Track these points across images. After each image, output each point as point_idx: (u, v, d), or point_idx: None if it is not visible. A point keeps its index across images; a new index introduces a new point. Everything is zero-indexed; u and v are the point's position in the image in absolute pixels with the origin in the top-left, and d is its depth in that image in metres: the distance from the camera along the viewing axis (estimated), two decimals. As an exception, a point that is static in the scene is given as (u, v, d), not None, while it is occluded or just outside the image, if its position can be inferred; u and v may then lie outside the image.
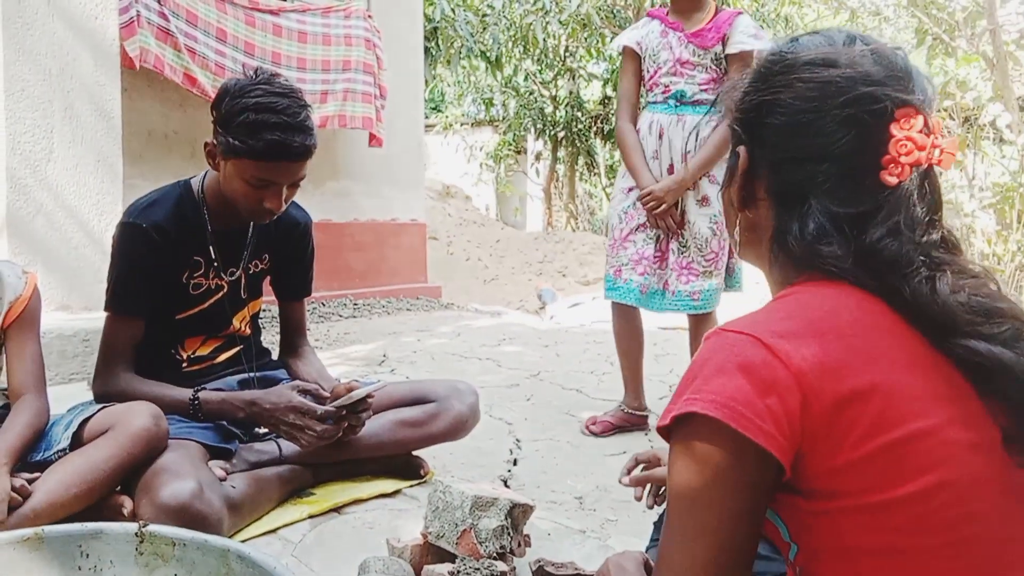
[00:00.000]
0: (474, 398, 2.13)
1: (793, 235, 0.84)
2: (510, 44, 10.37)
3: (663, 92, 2.64)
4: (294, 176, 1.80)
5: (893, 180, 0.80)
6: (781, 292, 0.86)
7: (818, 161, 0.83)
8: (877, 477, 0.73)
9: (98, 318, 2.91)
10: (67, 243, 3.08)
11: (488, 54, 9.84)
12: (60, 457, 1.59)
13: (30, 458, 1.59)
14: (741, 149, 0.90)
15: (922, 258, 0.80)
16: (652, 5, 10.12)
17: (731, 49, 2.59)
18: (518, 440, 2.60)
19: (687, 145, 2.57)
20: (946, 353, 0.78)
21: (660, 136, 2.62)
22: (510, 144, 14.48)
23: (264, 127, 1.71)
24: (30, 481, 1.50)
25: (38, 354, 1.72)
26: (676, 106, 2.62)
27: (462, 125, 15.15)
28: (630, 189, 2.68)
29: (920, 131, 0.80)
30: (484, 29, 9.45)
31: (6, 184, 2.87)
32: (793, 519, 0.80)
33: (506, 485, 2.17)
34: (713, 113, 2.40)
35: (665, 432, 0.79)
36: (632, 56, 2.72)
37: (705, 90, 2.61)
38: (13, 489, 1.44)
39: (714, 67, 2.62)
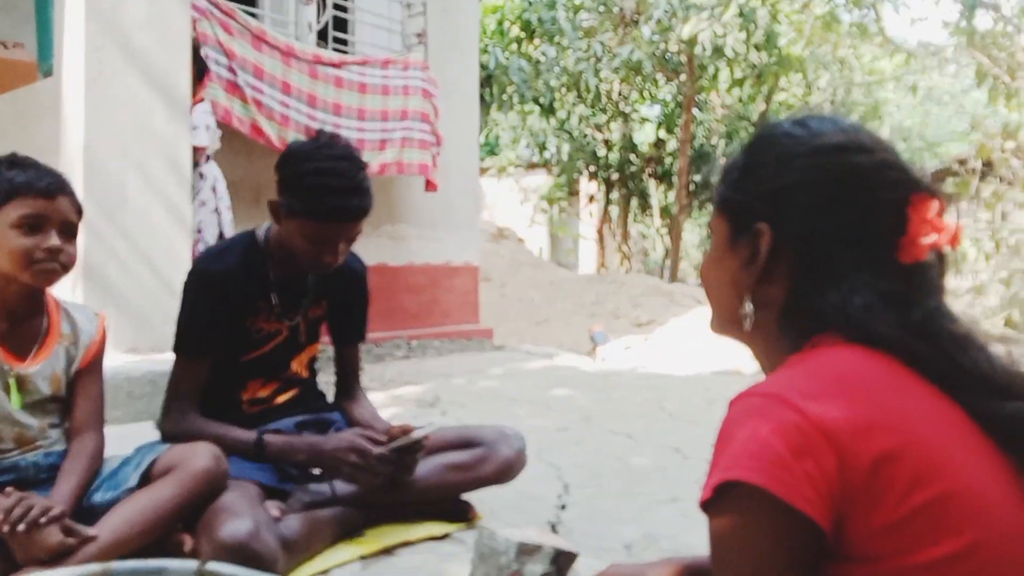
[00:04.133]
0: (521, 443, 2.16)
1: (832, 307, 0.85)
2: (563, 90, 10.54)
3: None
4: (351, 234, 1.90)
5: (909, 260, 0.85)
6: (794, 357, 0.86)
7: (852, 241, 0.86)
8: (918, 537, 0.73)
9: (164, 360, 3.05)
10: (138, 287, 3.24)
11: (541, 99, 10.01)
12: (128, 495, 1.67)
13: (102, 498, 1.68)
14: (764, 227, 0.90)
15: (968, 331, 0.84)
16: (704, 51, 10.19)
17: None
18: (566, 485, 2.61)
19: None
20: (987, 416, 0.79)
21: None
22: (563, 186, 14.61)
23: (325, 191, 1.81)
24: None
25: (101, 393, 1.82)
26: None
27: (516, 168, 15.37)
28: None
29: (935, 215, 0.84)
30: (537, 76, 9.64)
31: (83, 231, 3.04)
32: None
33: (554, 531, 2.18)
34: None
35: (707, 505, 0.78)
36: None
37: None
38: (70, 535, 1.49)
39: None
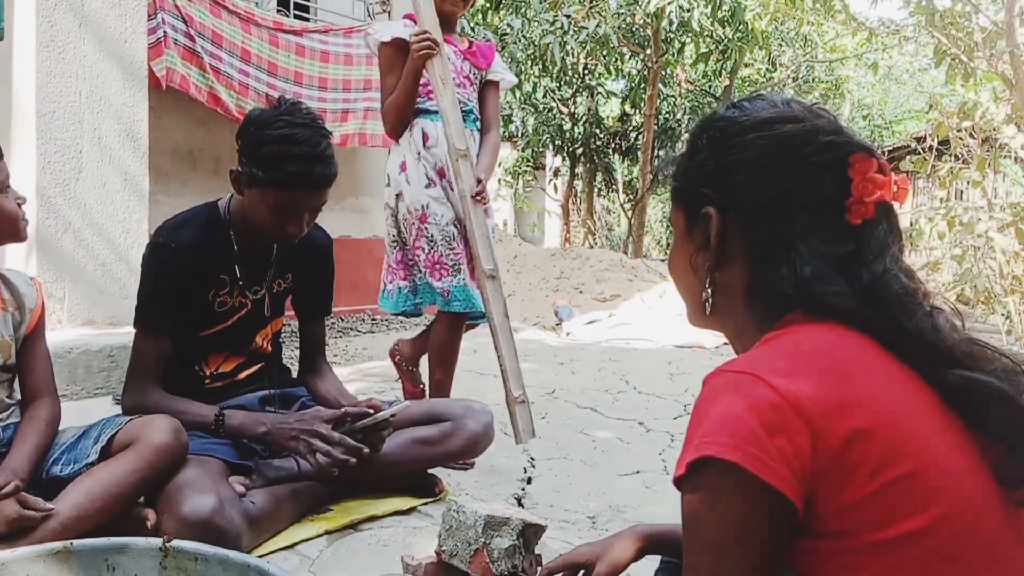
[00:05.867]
0: (489, 418, 2.17)
1: (785, 280, 0.86)
2: (529, 62, 10.45)
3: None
4: (315, 203, 1.86)
5: (858, 220, 0.86)
6: (767, 336, 0.87)
7: (796, 209, 0.87)
8: (886, 513, 0.74)
9: (123, 333, 2.99)
10: (94, 260, 3.16)
11: (507, 72, 9.92)
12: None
13: (61, 471, 1.65)
14: (711, 211, 0.91)
15: (919, 294, 0.85)
16: (671, 25, 10.19)
17: (492, 76, 2.74)
18: (532, 459, 2.63)
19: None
20: (939, 385, 0.80)
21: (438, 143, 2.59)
22: (528, 160, 14.57)
23: (286, 158, 1.77)
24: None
25: (48, 356, 1.80)
26: (468, 122, 2.61)
27: (481, 141, 15.26)
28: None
29: (876, 172, 0.85)
30: (503, 48, 9.54)
31: (36, 202, 2.95)
32: (802, 563, 0.79)
33: (520, 504, 2.20)
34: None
35: (680, 481, 0.78)
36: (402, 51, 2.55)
37: (479, 112, 2.70)
38: (27, 507, 1.48)
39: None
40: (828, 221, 0.86)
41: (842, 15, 7.59)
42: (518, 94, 12.04)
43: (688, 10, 9.73)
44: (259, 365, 2.12)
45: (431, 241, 2.58)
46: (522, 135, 13.67)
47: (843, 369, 0.79)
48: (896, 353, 0.82)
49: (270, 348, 2.15)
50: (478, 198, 2.50)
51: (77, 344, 2.75)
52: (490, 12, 10.36)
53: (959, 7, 6.31)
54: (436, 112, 2.55)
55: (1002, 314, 6.03)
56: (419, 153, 2.60)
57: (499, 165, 14.63)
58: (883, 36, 8.49)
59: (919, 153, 7.50)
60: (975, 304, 6.54)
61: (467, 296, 2.60)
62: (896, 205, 0.89)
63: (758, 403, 0.75)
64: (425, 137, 2.59)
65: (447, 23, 2.62)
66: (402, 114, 2.60)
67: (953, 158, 6.67)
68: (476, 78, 2.70)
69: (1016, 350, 5.00)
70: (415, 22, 2.59)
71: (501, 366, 2.48)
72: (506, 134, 14.58)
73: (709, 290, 0.94)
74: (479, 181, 2.52)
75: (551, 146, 13.73)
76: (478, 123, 2.68)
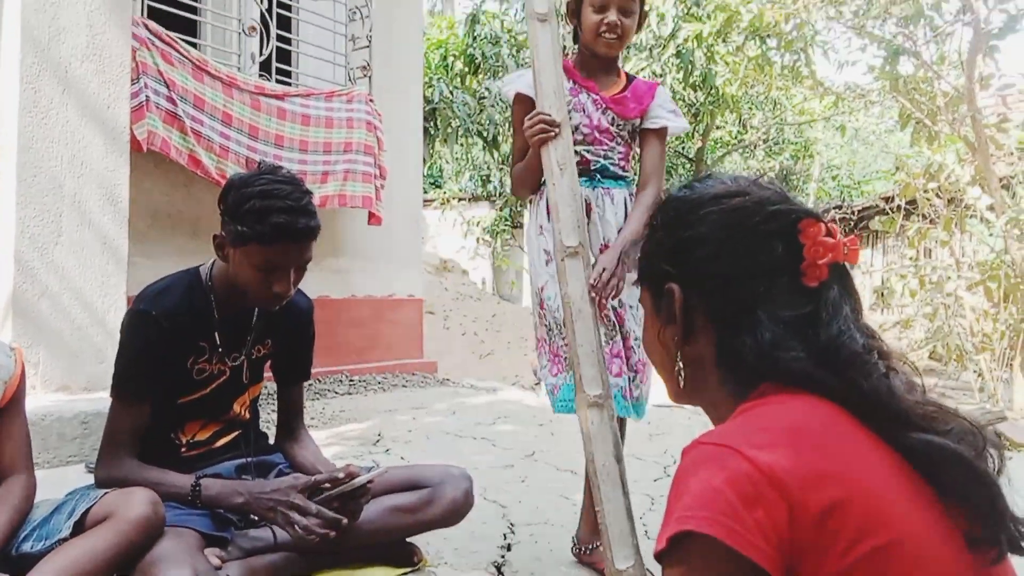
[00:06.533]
0: (468, 483, 2.15)
1: (748, 348, 0.89)
2: (506, 124, 10.64)
3: (579, 163, 2.19)
4: (301, 258, 1.86)
5: (814, 282, 0.89)
6: (742, 407, 0.89)
7: (752, 277, 0.91)
8: None
9: (97, 399, 2.95)
10: (70, 324, 3.13)
11: (485, 133, 10.11)
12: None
13: (31, 548, 1.61)
14: (673, 286, 0.95)
15: (876, 354, 0.87)
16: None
17: (650, 124, 2.32)
18: (512, 524, 2.60)
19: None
20: (902, 450, 0.82)
21: (588, 212, 2.22)
22: (507, 219, 14.71)
23: (270, 212, 1.78)
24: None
25: (27, 431, 1.75)
26: (599, 180, 2.28)
27: (460, 200, 15.42)
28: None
29: (825, 235, 0.90)
30: (481, 111, 9.73)
31: (13, 267, 2.94)
32: None
33: (499, 572, 2.17)
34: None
35: (661, 556, 0.78)
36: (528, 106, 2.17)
37: (623, 167, 2.33)
38: None
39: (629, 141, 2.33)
40: (784, 286, 0.90)
41: (809, 81, 7.85)
42: (496, 155, 12.21)
43: (661, 75, 10.03)
44: (236, 433, 2.10)
45: (549, 329, 2.27)
46: (500, 195, 13.83)
47: (817, 440, 0.81)
48: (860, 419, 0.84)
49: (248, 415, 2.13)
50: (594, 293, 1.96)
51: (50, 411, 2.71)
52: (468, 76, 10.59)
53: (921, 73, 6.55)
54: None
55: (974, 371, 6.12)
56: (541, 226, 2.30)
57: (476, 224, 14.78)
58: (849, 100, 8.77)
59: (888, 213, 7.67)
60: (948, 361, 6.63)
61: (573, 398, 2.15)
62: (849, 266, 0.93)
63: (735, 476, 0.76)
64: (549, 211, 2.16)
65: (599, 64, 2.31)
66: (523, 186, 2.33)
67: (921, 217, 6.85)
68: (622, 128, 2.30)
69: (988, 408, 5.06)
70: (568, 73, 2.27)
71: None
72: (484, 194, 14.76)
73: (680, 364, 0.97)
74: (604, 271, 2.04)
75: (528, 205, 13.88)
76: (619, 182, 2.30)
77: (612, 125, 2.30)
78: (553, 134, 2.04)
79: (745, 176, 1.00)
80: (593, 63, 2.30)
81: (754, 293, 0.90)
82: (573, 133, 2.19)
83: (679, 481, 0.80)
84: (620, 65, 2.40)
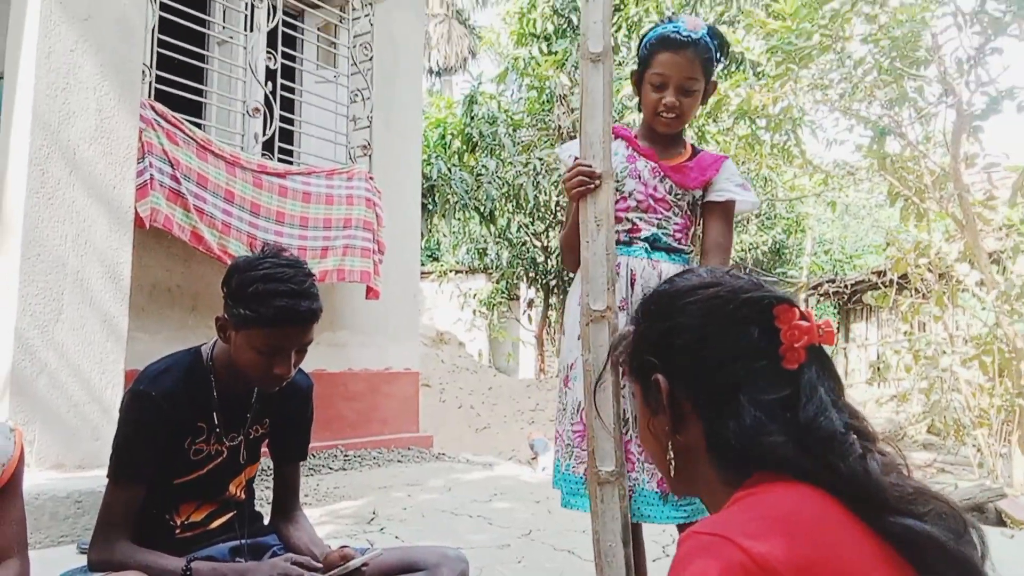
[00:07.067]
0: (464, 566, 2.12)
1: (732, 433, 0.92)
2: (503, 199, 10.84)
3: (629, 231, 2.14)
4: (302, 340, 1.89)
5: (793, 365, 0.92)
6: (736, 496, 0.91)
7: (732, 361, 0.95)
8: None
9: (91, 477, 2.93)
10: (67, 401, 3.14)
11: (482, 208, 10.27)
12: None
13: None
14: (659, 377, 0.99)
15: (853, 435, 0.90)
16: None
17: (714, 196, 2.19)
18: (508, 607, 2.56)
19: None
20: (885, 535, 0.84)
21: (632, 283, 2.11)
22: (503, 292, 14.81)
23: (273, 295, 1.81)
24: None
25: (23, 514, 1.73)
26: (648, 250, 2.15)
27: (457, 273, 15.54)
28: None
29: (799, 320, 0.93)
30: (479, 187, 9.92)
31: (13, 344, 2.96)
32: None
33: (496, 658, 2.12)
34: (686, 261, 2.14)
35: None
36: None
37: (680, 239, 2.19)
38: None
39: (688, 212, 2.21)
40: (764, 370, 0.93)
41: (799, 159, 8.03)
42: (492, 229, 12.39)
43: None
44: (231, 514, 2.09)
45: (563, 409, 2.15)
46: (496, 267, 13.95)
47: (809, 529, 0.83)
48: (844, 504, 0.86)
49: (243, 496, 2.12)
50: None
51: (44, 490, 2.69)
52: (466, 154, 10.83)
53: (908, 152, 6.72)
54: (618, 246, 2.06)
55: (973, 446, 6.09)
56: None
57: (473, 296, 14.85)
58: (839, 177, 8.96)
59: (880, 287, 7.74)
60: (946, 436, 6.60)
61: (568, 489, 2.08)
62: (827, 348, 0.96)
63: (730, 566, 0.78)
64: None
65: (660, 139, 2.21)
66: (571, 251, 2.13)
67: (913, 291, 6.92)
68: (680, 199, 2.17)
69: (988, 484, 5.02)
70: (626, 139, 2.18)
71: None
72: (481, 266, 14.89)
73: (672, 454, 1.00)
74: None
75: (525, 278, 14.00)
76: (672, 255, 2.16)
77: (669, 194, 2.16)
78: (593, 186, 1.93)
79: (720, 268, 1.05)
80: (655, 134, 2.21)
81: (735, 378, 0.93)
82: (627, 199, 2.13)
83: (675, 571, 0.82)
84: (685, 138, 2.30)
